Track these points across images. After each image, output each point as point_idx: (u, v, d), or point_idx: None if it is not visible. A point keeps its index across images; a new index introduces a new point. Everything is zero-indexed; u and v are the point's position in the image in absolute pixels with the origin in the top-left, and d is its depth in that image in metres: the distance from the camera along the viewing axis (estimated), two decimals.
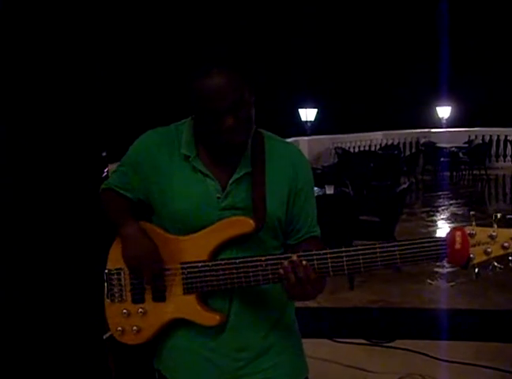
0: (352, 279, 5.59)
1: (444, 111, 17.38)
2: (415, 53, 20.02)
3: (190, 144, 1.65)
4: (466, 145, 14.71)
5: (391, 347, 4.21)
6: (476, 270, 1.49)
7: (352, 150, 14.76)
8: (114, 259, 1.71)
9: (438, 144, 14.67)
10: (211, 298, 1.65)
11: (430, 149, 14.49)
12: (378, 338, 4.34)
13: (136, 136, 1.76)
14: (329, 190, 6.43)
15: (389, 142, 15.58)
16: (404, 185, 7.05)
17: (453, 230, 1.49)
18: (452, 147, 14.19)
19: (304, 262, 1.51)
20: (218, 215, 1.62)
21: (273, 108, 15.21)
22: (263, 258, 1.57)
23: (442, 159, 13.86)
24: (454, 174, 14.17)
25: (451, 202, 10.77)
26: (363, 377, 3.81)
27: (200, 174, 1.64)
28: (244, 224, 1.59)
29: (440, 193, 11.90)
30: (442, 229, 8.51)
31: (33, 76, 2.42)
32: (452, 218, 9.21)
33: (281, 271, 1.52)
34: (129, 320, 1.69)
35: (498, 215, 1.48)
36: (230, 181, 1.63)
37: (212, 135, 1.58)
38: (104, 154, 2.70)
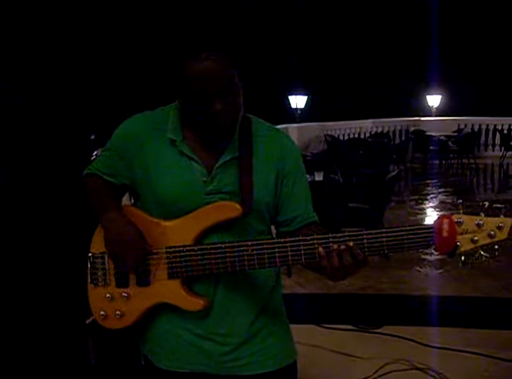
0: None
1: (434, 100, 17.39)
2: (405, 41, 20.00)
3: (177, 128, 1.63)
4: (455, 134, 14.73)
5: (379, 333, 4.22)
6: (463, 258, 1.47)
7: (341, 137, 14.73)
8: (98, 243, 1.68)
9: (428, 133, 14.69)
10: (196, 283, 1.62)
11: (419, 137, 14.50)
12: (365, 324, 4.34)
13: (125, 119, 1.72)
14: (319, 177, 6.43)
15: (379, 130, 15.59)
16: (394, 173, 7.05)
17: (440, 217, 1.47)
18: (441, 135, 14.22)
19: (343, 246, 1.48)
20: (204, 199, 1.59)
21: (263, 95, 15.15)
22: (249, 243, 1.54)
23: (431, 148, 13.88)
24: (443, 162, 14.21)
25: (440, 190, 10.80)
26: (350, 362, 3.81)
27: (186, 157, 1.61)
28: (231, 209, 1.57)
29: (429, 181, 11.93)
30: (431, 217, 8.53)
31: (21, 60, 2.39)
32: (440, 206, 9.23)
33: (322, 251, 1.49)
34: (113, 304, 1.66)
35: (486, 204, 1.46)
36: (216, 166, 1.61)
37: (198, 119, 1.55)
38: (93, 137, 2.67)
